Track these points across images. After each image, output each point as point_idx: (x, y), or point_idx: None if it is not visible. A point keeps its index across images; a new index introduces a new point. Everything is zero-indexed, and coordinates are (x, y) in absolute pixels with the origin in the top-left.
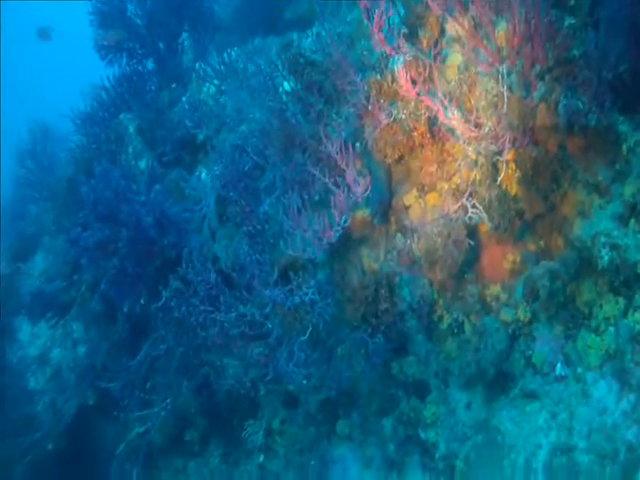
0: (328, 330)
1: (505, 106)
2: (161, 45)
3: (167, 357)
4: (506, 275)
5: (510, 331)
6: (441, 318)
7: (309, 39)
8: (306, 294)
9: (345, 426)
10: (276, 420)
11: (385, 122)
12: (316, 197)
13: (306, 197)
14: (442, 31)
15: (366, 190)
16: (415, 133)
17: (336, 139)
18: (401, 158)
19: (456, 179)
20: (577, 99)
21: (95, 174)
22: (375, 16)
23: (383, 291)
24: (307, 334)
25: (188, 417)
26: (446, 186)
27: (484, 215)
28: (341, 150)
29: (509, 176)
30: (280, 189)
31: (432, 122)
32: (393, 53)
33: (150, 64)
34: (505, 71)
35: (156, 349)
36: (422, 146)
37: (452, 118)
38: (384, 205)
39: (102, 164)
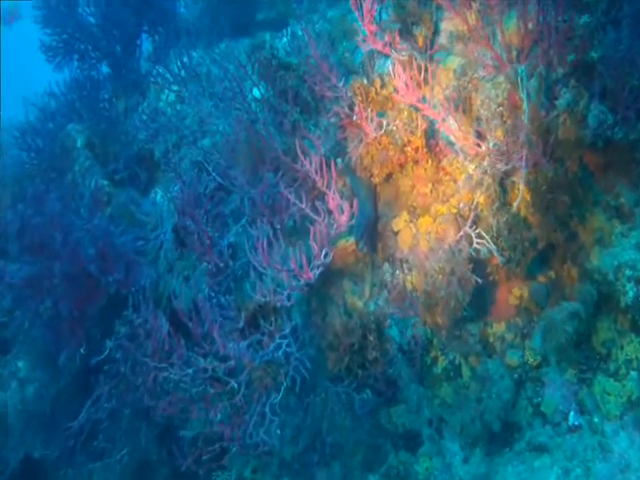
0: (306, 385)
1: (526, 117)
2: (117, 47)
3: (112, 419)
4: (512, 312)
5: (516, 376)
6: (435, 360)
7: (284, 39)
8: (279, 346)
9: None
10: (247, 469)
11: (373, 135)
12: (290, 223)
13: (278, 226)
14: (436, 30)
15: (351, 218)
16: (409, 148)
17: (314, 155)
18: (389, 176)
19: (454, 201)
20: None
21: (25, 196)
22: (365, 4)
23: (371, 337)
24: (281, 393)
25: (149, 466)
26: (443, 209)
27: (493, 247)
28: (320, 168)
29: (520, 199)
30: (248, 216)
31: (429, 135)
32: (386, 51)
33: (105, 68)
34: (524, 74)
35: (99, 409)
36: (415, 162)
37: (453, 130)
38: (369, 230)
39: (35, 184)
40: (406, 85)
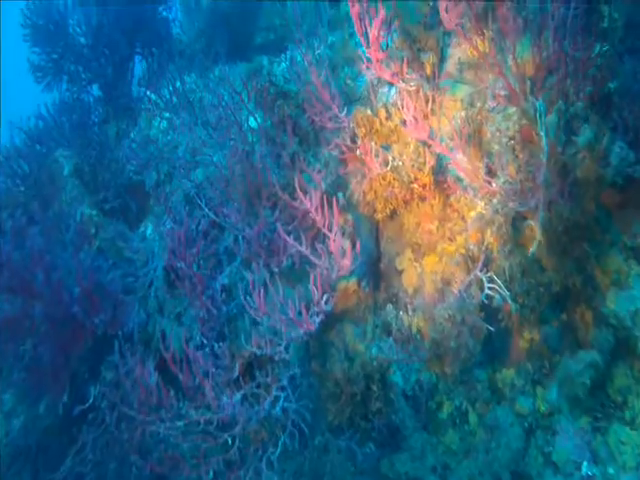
0: (305, 437)
1: (545, 155)
2: (109, 69)
3: (97, 472)
4: (522, 357)
5: (526, 424)
6: (440, 405)
7: (282, 65)
8: (277, 400)
9: None
10: None
11: (378, 171)
12: (288, 263)
13: (276, 269)
14: (442, 56)
15: (354, 261)
16: (415, 185)
17: (314, 191)
18: (393, 212)
19: (461, 239)
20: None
21: (5, 229)
22: (372, 31)
23: (375, 387)
24: (279, 448)
25: None
26: (450, 248)
27: (506, 293)
28: (321, 206)
29: (537, 243)
30: (243, 256)
31: (436, 170)
32: (394, 81)
33: (95, 91)
34: (543, 109)
35: (83, 461)
36: (421, 199)
37: (462, 165)
38: (371, 269)
39: (15, 217)
40: (415, 120)
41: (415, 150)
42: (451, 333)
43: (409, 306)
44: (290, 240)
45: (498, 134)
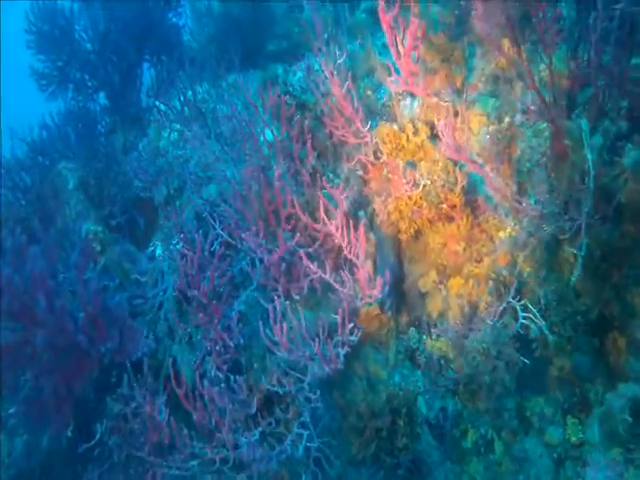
0: (327, 474)
1: (591, 179)
2: (116, 77)
3: None
4: (552, 384)
5: (555, 455)
6: (465, 433)
7: (298, 74)
8: (299, 439)
9: None
10: None
11: (406, 191)
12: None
13: (297, 296)
14: (467, 68)
15: (383, 289)
16: (444, 205)
17: (337, 211)
18: (418, 232)
19: (488, 261)
20: None
21: (4, 249)
22: (408, 41)
23: (401, 422)
24: None
25: None
26: (477, 270)
27: (542, 323)
28: (344, 228)
29: (569, 264)
30: (259, 282)
31: (465, 190)
32: (426, 95)
33: (102, 100)
34: (587, 128)
35: None
36: (448, 219)
37: (493, 184)
38: (394, 291)
39: (15, 235)
40: (453, 138)
41: (444, 168)
42: (486, 368)
43: (433, 330)
44: (314, 267)
45: (529, 151)
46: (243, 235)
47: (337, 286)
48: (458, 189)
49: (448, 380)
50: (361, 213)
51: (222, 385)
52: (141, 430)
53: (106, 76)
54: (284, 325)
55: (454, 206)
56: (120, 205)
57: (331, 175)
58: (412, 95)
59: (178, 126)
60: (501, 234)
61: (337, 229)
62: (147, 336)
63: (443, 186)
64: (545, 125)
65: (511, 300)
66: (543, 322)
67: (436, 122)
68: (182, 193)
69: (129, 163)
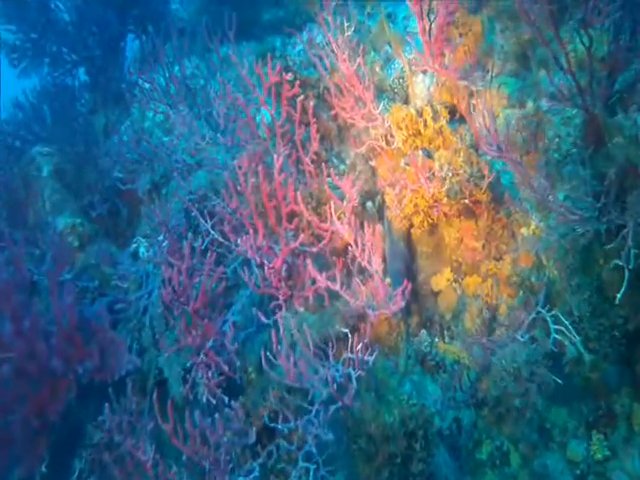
0: None
1: None
2: (97, 51)
3: None
4: (577, 395)
5: (578, 471)
6: (479, 444)
7: (298, 47)
8: (306, 474)
9: None
10: None
11: (422, 183)
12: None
13: (301, 308)
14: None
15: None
16: (466, 200)
17: (347, 207)
18: (433, 227)
19: (508, 260)
20: None
21: None
22: (441, 10)
23: (417, 446)
24: None
25: None
26: (496, 269)
27: (576, 338)
28: (353, 226)
29: (607, 270)
30: (256, 291)
31: (493, 186)
32: (457, 79)
33: (82, 76)
34: None
35: None
36: (468, 214)
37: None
38: (404, 289)
39: None
40: (489, 130)
41: (467, 159)
42: (516, 390)
43: (446, 332)
44: (322, 278)
45: (557, 140)
46: (239, 241)
47: (349, 298)
48: (485, 185)
49: (465, 393)
50: (369, 204)
51: (215, 416)
52: (122, 471)
53: (86, 49)
54: (291, 355)
55: (478, 202)
56: (101, 194)
57: (335, 160)
58: (424, 72)
59: (162, 108)
60: (523, 231)
61: (346, 228)
62: (131, 346)
63: (468, 180)
64: (575, 112)
65: (541, 310)
66: (577, 337)
67: (457, 103)
68: (169, 180)
69: (111, 146)
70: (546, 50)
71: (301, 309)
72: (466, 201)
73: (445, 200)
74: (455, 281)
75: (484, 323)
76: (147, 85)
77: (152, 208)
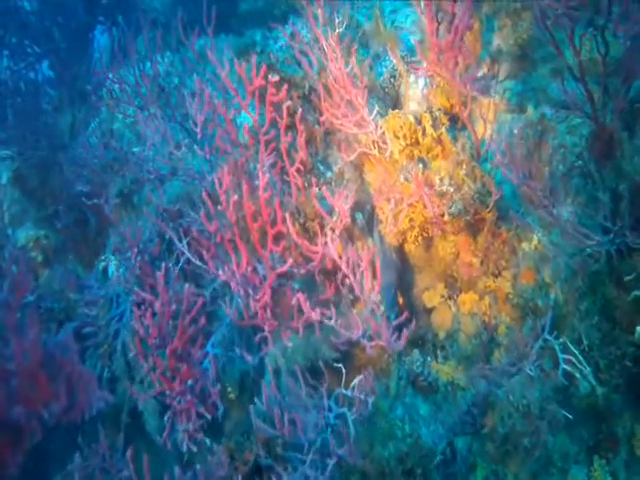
0: None
1: None
2: (62, 43)
3: None
4: (577, 418)
5: None
6: (473, 468)
7: (280, 41)
8: None
9: None
10: None
11: (422, 198)
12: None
13: (290, 344)
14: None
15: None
16: (469, 218)
17: (337, 224)
18: (427, 240)
19: (507, 276)
20: None
21: None
22: (460, 19)
23: None
24: None
25: None
26: (494, 285)
27: (587, 369)
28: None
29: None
30: (239, 323)
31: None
32: (473, 92)
33: (46, 70)
34: None
35: None
36: (469, 228)
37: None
38: (394, 306)
39: None
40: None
41: (471, 172)
42: (525, 429)
43: (439, 352)
44: (315, 314)
45: (562, 151)
46: (220, 272)
47: (343, 331)
48: (492, 203)
49: (464, 423)
50: (359, 216)
51: (197, 468)
52: None
53: (49, 41)
54: (282, 404)
55: (482, 219)
56: (67, 202)
57: (321, 167)
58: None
59: (131, 111)
60: (525, 246)
61: (334, 250)
62: (101, 375)
63: (474, 198)
64: (580, 121)
65: (549, 337)
66: (588, 368)
67: (456, 107)
68: (141, 185)
69: (77, 150)
70: (547, 51)
71: (290, 344)
72: (468, 218)
73: (447, 218)
74: (449, 298)
75: (482, 345)
76: (116, 87)
77: (121, 230)
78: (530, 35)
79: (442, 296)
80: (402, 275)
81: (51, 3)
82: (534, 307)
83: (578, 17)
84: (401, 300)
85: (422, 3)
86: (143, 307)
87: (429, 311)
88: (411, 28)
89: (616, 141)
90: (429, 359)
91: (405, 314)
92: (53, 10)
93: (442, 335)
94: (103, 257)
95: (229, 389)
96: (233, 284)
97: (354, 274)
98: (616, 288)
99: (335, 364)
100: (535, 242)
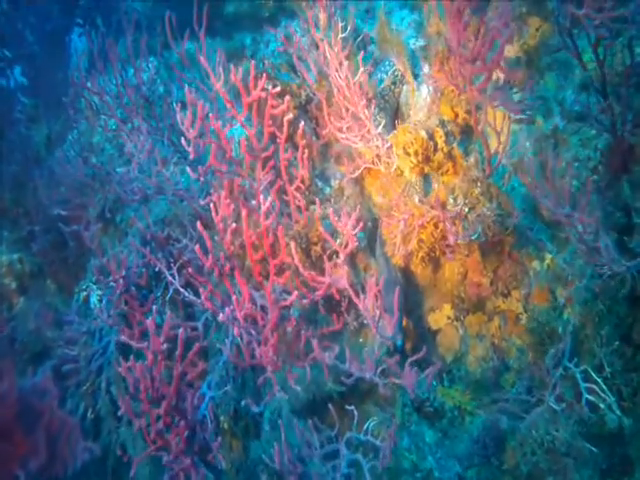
0: None
1: None
2: (36, 47)
3: None
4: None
5: None
6: None
7: (272, 45)
8: None
9: None
10: None
11: (434, 218)
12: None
13: (298, 387)
14: None
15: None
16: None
17: (342, 251)
18: (436, 261)
19: (516, 295)
20: None
21: None
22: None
23: None
24: None
25: None
26: (504, 306)
27: (611, 399)
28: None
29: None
30: (239, 365)
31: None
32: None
33: (18, 77)
34: None
35: None
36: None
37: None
38: (400, 330)
39: None
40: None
41: (486, 191)
42: (549, 466)
43: (445, 375)
44: (329, 357)
45: (576, 165)
46: (220, 315)
47: (355, 369)
48: (511, 226)
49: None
50: (361, 234)
51: None
52: None
53: (22, 45)
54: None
55: (500, 242)
56: (43, 223)
57: (319, 183)
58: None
59: (114, 126)
60: (536, 264)
61: (344, 278)
62: (84, 416)
63: (494, 222)
64: (594, 132)
65: (569, 365)
66: (612, 398)
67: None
68: (124, 207)
69: (54, 164)
70: (555, 58)
71: (298, 388)
72: (485, 240)
73: (462, 243)
74: (456, 319)
75: (493, 369)
76: (95, 99)
77: (103, 261)
78: (538, 41)
79: (449, 317)
80: (407, 296)
81: (23, 4)
82: (550, 331)
83: (612, 28)
84: (406, 323)
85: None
86: (132, 357)
87: (435, 333)
88: (408, 31)
89: (636, 155)
90: (435, 383)
91: (423, 351)
92: (25, 11)
93: (449, 358)
94: (84, 285)
95: (222, 418)
96: (235, 329)
97: (363, 302)
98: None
99: (347, 406)
100: (548, 261)
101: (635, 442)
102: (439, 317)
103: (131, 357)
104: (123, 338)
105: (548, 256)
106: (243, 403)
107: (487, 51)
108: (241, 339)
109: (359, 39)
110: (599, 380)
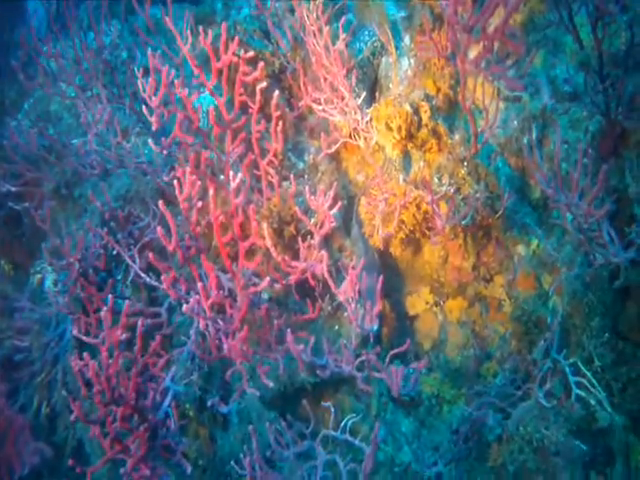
0: None
1: None
2: None
3: None
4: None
5: None
6: None
7: (244, 10)
8: None
9: None
10: None
11: (417, 200)
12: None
13: (271, 383)
14: None
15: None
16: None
17: (318, 232)
18: (416, 242)
19: (500, 281)
20: None
21: None
22: None
23: None
24: None
25: None
26: (486, 291)
27: (602, 394)
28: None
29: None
30: (207, 357)
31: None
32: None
33: None
34: None
35: None
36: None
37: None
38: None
39: None
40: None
41: (474, 171)
42: (538, 465)
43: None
44: (299, 351)
45: (565, 147)
46: (184, 308)
47: (334, 364)
48: (501, 208)
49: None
50: (337, 214)
51: None
52: None
53: None
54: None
55: (487, 226)
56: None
57: (293, 158)
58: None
59: (72, 91)
60: (521, 249)
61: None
62: (38, 410)
63: (484, 204)
64: (584, 114)
65: (558, 357)
66: (603, 393)
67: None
68: (82, 181)
69: (8, 133)
70: (543, 35)
71: (271, 384)
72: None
73: (448, 228)
74: (436, 304)
75: (474, 359)
76: (52, 64)
77: (57, 242)
78: (525, 17)
79: (427, 302)
80: (385, 280)
81: None
82: (536, 320)
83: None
84: (383, 307)
85: None
86: (85, 354)
87: (413, 318)
88: (386, 3)
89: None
90: (411, 371)
91: (406, 345)
92: None
93: (427, 345)
94: (38, 267)
95: (187, 406)
96: (201, 321)
97: (341, 291)
98: (629, 302)
99: (323, 402)
100: (534, 246)
101: (617, 434)
102: (417, 302)
103: (85, 354)
104: (75, 333)
105: (534, 241)
106: (210, 403)
107: (488, 19)
108: (207, 332)
109: (336, 7)
110: (589, 374)
